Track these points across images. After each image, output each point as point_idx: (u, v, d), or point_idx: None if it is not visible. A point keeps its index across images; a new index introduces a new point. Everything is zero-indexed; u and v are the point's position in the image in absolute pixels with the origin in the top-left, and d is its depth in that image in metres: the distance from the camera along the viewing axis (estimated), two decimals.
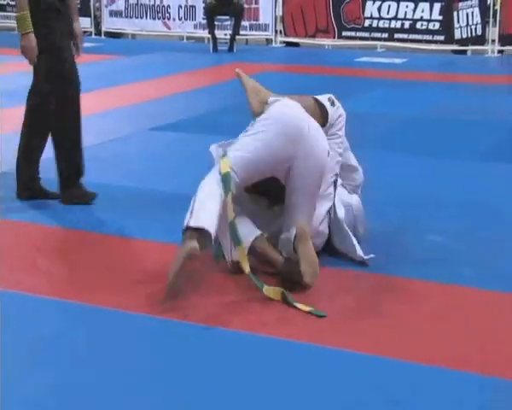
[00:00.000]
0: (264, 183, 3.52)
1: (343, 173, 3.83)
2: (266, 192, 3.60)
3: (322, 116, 3.64)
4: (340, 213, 3.67)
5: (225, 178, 3.36)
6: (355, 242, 3.62)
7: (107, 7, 14.26)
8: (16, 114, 6.79)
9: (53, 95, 4.41)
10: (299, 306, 3.14)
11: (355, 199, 3.86)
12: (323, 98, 3.72)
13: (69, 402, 2.51)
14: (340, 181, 3.80)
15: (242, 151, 3.45)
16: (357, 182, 3.93)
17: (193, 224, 3.20)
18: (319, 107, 3.66)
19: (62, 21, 4.39)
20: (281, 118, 3.46)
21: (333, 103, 3.72)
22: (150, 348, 2.87)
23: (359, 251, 3.58)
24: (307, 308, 3.11)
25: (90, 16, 14.63)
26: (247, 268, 3.30)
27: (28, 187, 4.55)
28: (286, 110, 3.50)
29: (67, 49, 4.43)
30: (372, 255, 3.58)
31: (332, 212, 3.67)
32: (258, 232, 3.44)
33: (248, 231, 3.42)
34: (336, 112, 3.71)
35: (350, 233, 3.63)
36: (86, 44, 13.88)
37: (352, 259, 3.61)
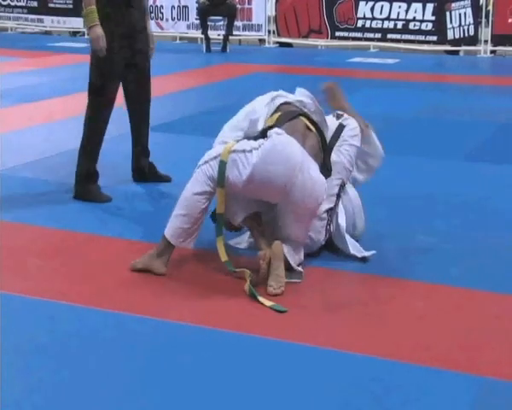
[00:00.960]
0: None
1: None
2: None
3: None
4: (342, 219, 3.74)
5: (221, 167, 3.42)
6: (350, 243, 3.70)
7: None
8: (12, 114, 6.78)
9: (92, 94, 4.64)
10: (262, 300, 3.22)
11: (354, 193, 3.92)
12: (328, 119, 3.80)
13: (69, 402, 2.51)
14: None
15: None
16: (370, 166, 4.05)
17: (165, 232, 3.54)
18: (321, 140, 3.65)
19: (114, 22, 4.55)
20: (268, 170, 3.37)
21: (338, 117, 3.88)
22: (146, 349, 2.87)
23: (356, 251, 3.68)
24: (269, 303, 3.20)
25: (82, 16, 14.62)
26: (223, 257, 3.46)
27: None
28: (272, 164, 3.37)
29: (116, 51, 4.57)
30: (372, 252, 3.66)
31: (334, 215, 3.73)
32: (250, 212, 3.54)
33: (239, 210, 3.53)
34: (336, 123, 3.83)
35: (347, 239, 3.72)
36: (79, 45, 13.79)
37: (349, 256, 3.70)
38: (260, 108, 3.66)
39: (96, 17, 4.49)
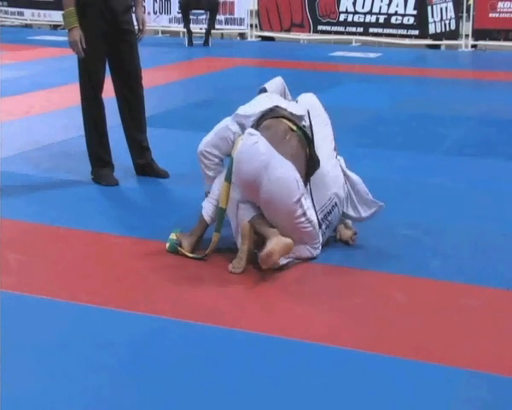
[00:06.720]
0: None
1: None
2: None
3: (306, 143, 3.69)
4: (352, 175, 3.85)
5: (231, 163, 3.53)
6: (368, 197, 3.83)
7: None
8: None
9: (82, 87, 4.81)
10: (182, 251, 3.61)
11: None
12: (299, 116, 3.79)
13: (68, 402, 2.50)
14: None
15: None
16: None
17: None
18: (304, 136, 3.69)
19: (91, 19, 4.60)
20: (238, 169, 3.50)
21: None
22: (148, 347, 2.85)
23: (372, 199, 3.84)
24: (190, 255, 3.60)
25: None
26: (208, 250, 3.59)
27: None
28: (240, 166, 3.49)
29: (93, 50, 4.62)
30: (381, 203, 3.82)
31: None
32: (256, 213, 3.54)
33: (247, 213, 3.53)
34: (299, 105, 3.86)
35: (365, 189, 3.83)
36: (60, 38, 13.66)
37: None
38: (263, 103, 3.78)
39: (75, 20, 4.54)
